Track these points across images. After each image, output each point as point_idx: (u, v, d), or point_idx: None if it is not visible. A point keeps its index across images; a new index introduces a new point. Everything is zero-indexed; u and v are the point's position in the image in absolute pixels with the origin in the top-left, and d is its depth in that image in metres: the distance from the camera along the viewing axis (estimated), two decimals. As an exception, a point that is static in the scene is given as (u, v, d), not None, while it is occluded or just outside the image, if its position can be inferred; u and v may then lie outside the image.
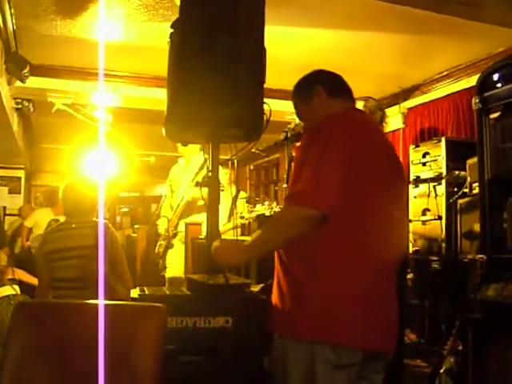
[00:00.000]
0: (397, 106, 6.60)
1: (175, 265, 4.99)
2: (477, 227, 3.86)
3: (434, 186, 5.21)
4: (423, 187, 5.42)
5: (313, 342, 1.82)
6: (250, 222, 5.00)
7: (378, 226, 1.92)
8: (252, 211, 5.54)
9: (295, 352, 1.86)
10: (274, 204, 5.01)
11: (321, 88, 2.22)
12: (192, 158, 5.18)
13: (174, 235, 5.04)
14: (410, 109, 6.66)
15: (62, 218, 4.68)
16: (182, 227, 4.97)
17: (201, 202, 4.92)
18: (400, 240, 2.15)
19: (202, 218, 4.86)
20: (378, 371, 1.99)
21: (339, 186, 1.84)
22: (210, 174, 2.74)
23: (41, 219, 7.69)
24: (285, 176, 4.02)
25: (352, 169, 1.86)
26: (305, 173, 1.90)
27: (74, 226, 3.32)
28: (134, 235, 7.40)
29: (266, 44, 2.67)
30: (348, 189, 1.85)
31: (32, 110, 6.73)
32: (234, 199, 4.29)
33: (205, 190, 2.72)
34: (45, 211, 8.04)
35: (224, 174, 4.83)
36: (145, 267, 5.80)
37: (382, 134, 2.28)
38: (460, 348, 3.45)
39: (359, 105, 4.49)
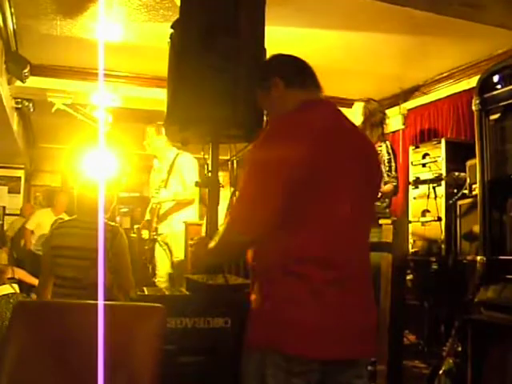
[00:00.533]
0: (397, 107, 6.60)
1: (160, 270, 5.03)
2: (476, 228, 3.86)
3: (434, 187, 5.21)
4: (423, 188, 5.42)
5: (263, 351, 1.75)
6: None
7: (331, 230, 1.81)
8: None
9: (249, 362, 1.81)
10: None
11: (278, 78, 2.02)
12: (164, 158, 5.18)
13: (154, 240, 5.05)
14: (410, 110, 6.66)
15: (65, 217, 4.68)
16: (161, 230, 5.04)
17: (165, 206, 4.97)
18: (364, 241, 1.97)
19: (178, 219, 4.90)
20: (359, 375, 1.88)
21: (273, 208, 1.75)
22: (209, 174, 2.74)
23: (43, 220, 7.70)
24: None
25: (294, 182, 1.73)
26: (241, 191, 1.86)
27: (83, 224, 3.30)
28: (134, 235, 7.41)
29: (266, 45, 2.67)
30: (293, 200, 1.75)
31: (32, 109, 6.73)
32: (231, 198, 4.28)
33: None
34: (45, 212, 8.04)
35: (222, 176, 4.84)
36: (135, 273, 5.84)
37: (347, 130, 2.00)
38: (459, 349, 3.45)
39: (359, 106, 4.47)
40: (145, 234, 5.19)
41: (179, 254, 4.83)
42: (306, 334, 1.72)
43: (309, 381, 1.73)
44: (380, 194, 4.07)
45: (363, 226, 1.96)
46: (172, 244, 4.98)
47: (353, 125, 2.06)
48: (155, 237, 5.06)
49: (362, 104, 4.45)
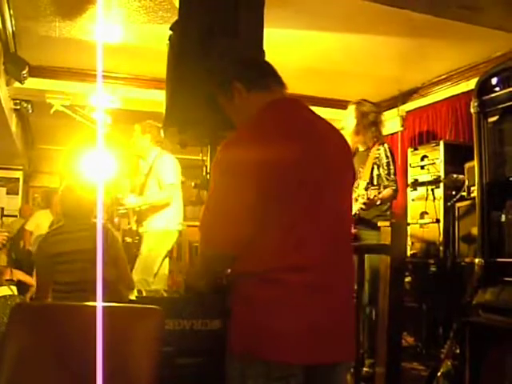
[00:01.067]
0: (395, 109, 6.61)
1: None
2: (474, 231, 3.86)
3: (432, 190, 5.21)
4: (421, 190, 5.42)
5: (243, 357, 1.74)
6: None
7: (307, 234, 1.76)
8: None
9: (230, 368, 1.80)
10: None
11: (238, 83, 1.93)
12: (147, 158, 5.17)
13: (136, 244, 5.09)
14: (408, 112, 6.67)
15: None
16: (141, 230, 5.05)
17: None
18: (345, 240, 1.92)
19: (158, 219, 4.88)
20: (341, 379, 1.87)
21: (241, 221, 1.71)
22: (208, 175, 2.74)
23: (41, 221, 7.70)
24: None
25: (267, 185, 1.69)
26: (206, 206, 1.81)
27: (73, 228, 3.30)
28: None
29: (265, 47, 2.67)
30: (267, 205, 1.70)
31: (30, 110, 6.73)
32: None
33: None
34: (44, 213, 8.04)
35: None
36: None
37: (316, 126, 1.90)
38: (457, 351, 3.45)
39: (351, 109, 4.40)
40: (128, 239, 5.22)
41: (156, 253, 4.85)
42: (283, 340, 1.70)
43: None
44: (379, 201, 4.02)
45: (343, 228, 1.92)
46: (148, 242, 4.94)
47: (320, 119, 1.97)
48: (136, 240, 5.08)
49: (353, 106, 4.37)
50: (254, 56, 2.11)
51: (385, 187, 4.12)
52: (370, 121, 4.31)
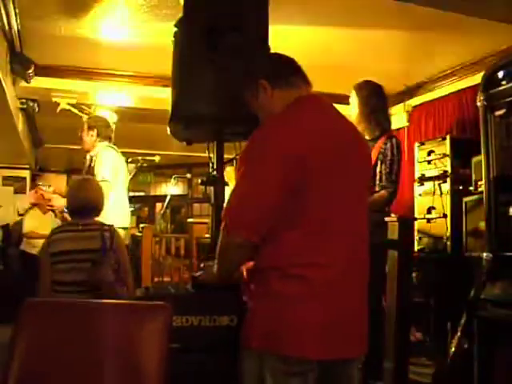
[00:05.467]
0: (401, 104, 6.60)
1: None
2: (482, 225, 3.85)
3: (439, 184, 5.20)
4: (428, 185, 5.41)
5: (261, 352, 1.75)
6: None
7: (327, 231, 1.79)
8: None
9: (248, 363, 1.81)
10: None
11: (265, 81, 1.98)
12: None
13: None
14: (414, 107, 6.65)
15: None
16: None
17: None
18: (362, 238, 1.92)
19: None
20: (352, 374, 1.89)
21: (269, 205, 1.75)
22: (214, 172, 2.75)
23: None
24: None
25: (288, 180, 1.73)
26: (233, 193, 1.83)
27: (80, 227, 3.29)
28: (139, 234, 7.42)
29: (269, 42, 2.68)
30: (284, 201, 1.74)
31: (37, 109, 6.74)
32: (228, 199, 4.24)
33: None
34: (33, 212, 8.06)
35: (230, 171, 4.77)
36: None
37: (338, 125, 1.94)
38: (466, 346, 3.45)
39: (352, 96, 3.90)
40: None
41: None
42: (304, 335, 1.72)
43: (307, 380, 1.73)
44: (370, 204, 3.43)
45: (361, 226, 1.93)
46: None
47: (343, 118, 2.00)
48: None
49: (353, 92, 3.86)
50: (280, 55, 2.09)
51: (383, 187, 3.63)
52: (372, 107, 3.79)
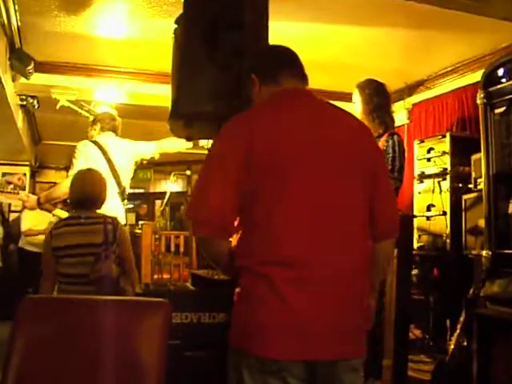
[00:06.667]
0: (401, 102, 6.58)
1: None
2: (482, 223, 3.86)
3: (439, 182, 5.20)
4: (428, 183, 5.41)
5: (238, 351, 1.75)
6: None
7: (295, 228, 1.74)
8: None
9: (230, 361, 1.81)
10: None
11: (254, 76, 1.99)
12: None
13: None
14: (414, 104, 6.64)
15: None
16: None
17: None
18: (347, 233, 1.82)
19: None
20: (341, 378, 1.76)
21: (217, 201, 1.73)
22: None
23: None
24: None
25: (245, 172, 1.72)
26: (194, 187, 1.86)
27: (83, 220, 3.28)
28: (139, 231, 7.43)
29: (270, 40, 2.67)
30: (251, 191, 1.74)
31: (36, 106, 6.72)
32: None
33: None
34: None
35: None
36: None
37: (316, 116, 1.89)
38: (465, 344, 3.45)
39: (354, 94, 3.91)
40: None
41: None
42: (270, 336, 1.69)
43: (285, 379, 1.69)
44: None
45: (346, 219, 1.82)
46: None
47: (327, 108, 1.98)
48: None
49: (356, 90, 3.88)
50: (273, 48, 2.09)
51: None
52: (375, 105, 3.81)
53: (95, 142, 4.47)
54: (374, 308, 2.09)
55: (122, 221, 4.39)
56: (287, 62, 2.01)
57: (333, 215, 1.79)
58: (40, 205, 4.44)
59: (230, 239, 1.84)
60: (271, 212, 1.74)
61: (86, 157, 4.35)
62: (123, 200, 4.53)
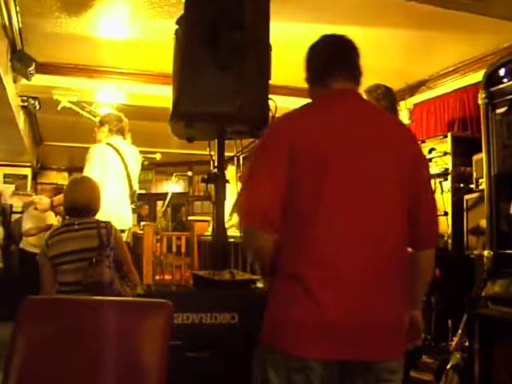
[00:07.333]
0: (403, 102, 6.57)
1: None
2: (483, 223, 3.86)
3: (440, 182, 5.19)
4: (429, 183, 5.39)
5: (266, 347, 1.78)
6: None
7: (330, 229, 1.74)
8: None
9: (256, 358, 1.84)
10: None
11: (308, 76, 2.02)
12: None
13: None
14: (416, 104, 6.64)
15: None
16: None
17: None
18: (383, 236, 1.80)
19: None
20: (378, 380, 1.76)
21: (270, 197, 1.75)
22: (215, 170, 2.75)
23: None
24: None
25: (290, 170, 1.75)
26: (244, 183, 1.91)
27: (76, 227, 3.28)
28: (141, 232, 7.43)
29: (271, 40, 2.67)
30: (290, 192, 1.75)
31: (38, 107, 6.73)
32: (238, 195, 4.21)
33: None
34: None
35: (231, 171, 4.76)
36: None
37: (361, 121, 1.88)
38: (466, 344, 3.45)
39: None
40: None
41: None
42: (298, 334, 1.71)
43: (310, 378, 1.70)
44: None
45: (382, 227, 1.81)
46: None
47: (384, 116, 2.05)
48: None
49: (364, 95, 4.01)
50: (326, 45, 2.06)
51: None
52: (382, 106, 3.76)
53: (111, 145, 4.47)
54: (422, 323, 2.07)
55: (129, 223, 4.54)
56: (338, 61, 2.01)
57: (369, 218, 1.79)
58: (53, 208, 4.49)
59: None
60: (307, 212, 1.76)
61: (103, 161, 4.36)
62: (132, 203, 4.59)
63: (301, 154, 1.75)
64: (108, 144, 4.48)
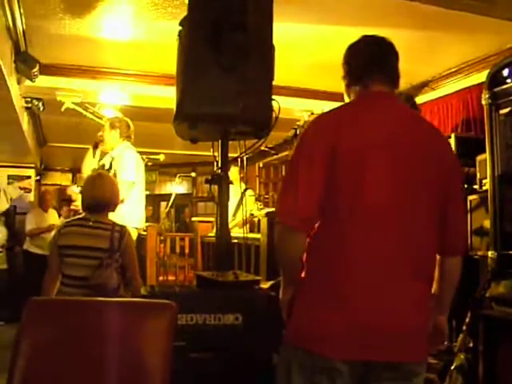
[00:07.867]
0: (406, 103, 6.58)
1: None
2: (487, 224, 3.85)
3: (444, 183, 5.18)
4: (433, 184, 5.38)
5: (291, 346, 1.80)
6: (259, 220, 5.00)
7: (359, 231, 1.75)
8: (262, 209, 5.52)
9: (280, 357, 1.86)
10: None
11: (346, 76, 2.04)
12: None
13: None
14: (419, 105, 6.62)
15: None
16: None
17: None
18: (414, 240, 1.80)
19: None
20: (402, 379, 1.77)
21: (309, 198, 1.76)
22: (219, 171, 2.75)
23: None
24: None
25: (327, 170, 1.76)
26: (282, 183, 1.92)
27: (91, 223, 3.29)
28: (144, 233, 7.44)
29: (275, 41, 2.67)
30: (326, 194, 1.76)
31: (42, 108, 6.74)
32: (241, 196, 4.25)
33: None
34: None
35: (234, 171, 4.79)
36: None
37: (395, 124, 1.87)
38: (471, 345, 3.44)
39: None
40: None
41: None
42: (326, 334, 1.72)
43: (334, 379, 1.71)
44: None
45: (417, 228, 1.82)
46: None
47: (419, 119, 2.04)
48: None
49: None
50: (366, 46, 2.07)
51: None
52: None
53: (135, 151, 4.81)
54: (447, 330, 2.09)
55: (143, 223, 4.97)
56: (377, 64, 1.99)
57: (405, 223, 1.79)
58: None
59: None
60: (344, 213, 1.76)
61: (138, 165, 4.74)
62: None
63: (341, 155, 1.75)
64: (135, 151, 4.79)
